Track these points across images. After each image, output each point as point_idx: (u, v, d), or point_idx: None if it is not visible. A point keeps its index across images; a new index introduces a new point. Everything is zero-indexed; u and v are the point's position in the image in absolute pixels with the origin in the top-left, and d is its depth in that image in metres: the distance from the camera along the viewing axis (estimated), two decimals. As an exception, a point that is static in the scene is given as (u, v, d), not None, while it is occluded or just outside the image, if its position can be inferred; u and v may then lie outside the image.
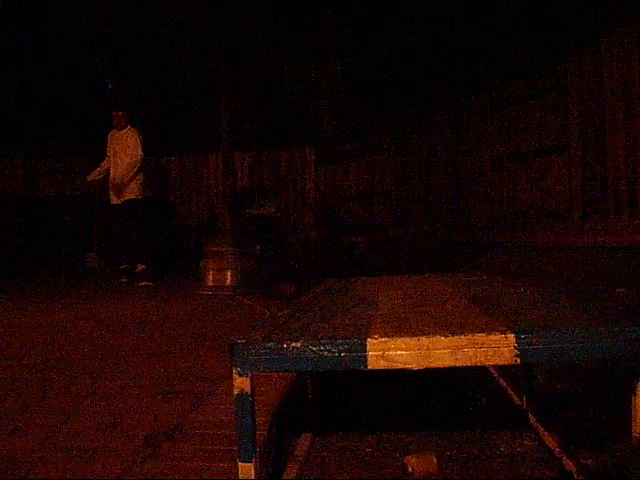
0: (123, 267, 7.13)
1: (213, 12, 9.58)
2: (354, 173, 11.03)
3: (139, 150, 6.98)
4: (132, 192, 7.01)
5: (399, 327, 1.43)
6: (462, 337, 1.29)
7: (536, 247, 6.43)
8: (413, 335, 1.32)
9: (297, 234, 10.54)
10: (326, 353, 1.32)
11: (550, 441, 1.84)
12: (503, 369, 2.53)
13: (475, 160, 8.26)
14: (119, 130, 7.09)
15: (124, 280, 6.99)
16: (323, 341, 1.32)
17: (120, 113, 7.09)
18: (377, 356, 1.30)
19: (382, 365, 1.31)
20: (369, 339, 1.31)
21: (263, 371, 1.35)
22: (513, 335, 1.29)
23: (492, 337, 1.29)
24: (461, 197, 8.59)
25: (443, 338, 1.30)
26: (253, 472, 1.35)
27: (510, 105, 7.57)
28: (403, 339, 1.31)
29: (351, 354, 1.31)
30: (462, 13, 9.80)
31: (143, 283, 6.83)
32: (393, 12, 10.34)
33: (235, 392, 1.35)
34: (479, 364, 1.30)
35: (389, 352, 1.30)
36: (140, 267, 6.97)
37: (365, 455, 1.86)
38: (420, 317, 1.57)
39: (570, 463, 1.67)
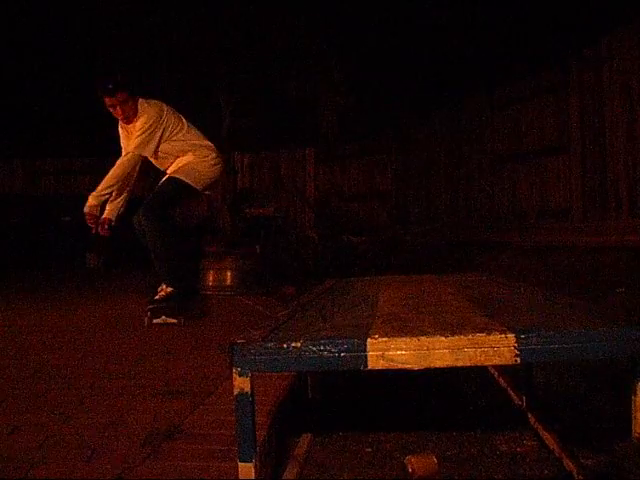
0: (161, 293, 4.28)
1: (213, 12, 9.59)
2: (354, 173, 11.03)
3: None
4: (184, 170, 4.32)
5: (399, 327, 1.43)
6: (462, 337, 1.29)
7: (536, 247, 6.43)
8: (413, 335, 1.32)
9: (297, 234, 10.54)
10: (326, 353, 1.32)
11: (550, 441, 1.84)
12: (503, 369, 2.53)
13: (475, 160, 8.26)
14: (135, 117, 4.22)
15: (150, 307, 4.19)
16: (323, 341, 1.33)
17: (119, 95, 4.11)
18: (377, 356, 1.31)
19: (382, 365, 1.31)
20: (369, 339, 1.31)
21: (263, 371, 1.36)
22: (513, 335, 1.29)
23: (492, 337, 1.29)
24: (461, 197, 8.59)
25: (443, 338, 1.30)
26: (253, 472, 1.35)
27: (510, 105, 7.58)
28: (403, 339, 1.31)
29: (351, 354, 1.31)
30: (462, 13, 9.80)
31: (160, 319, 4.12)
32: (393, 12, 10.35)
33: (235, 392, 1.35)
34: (479, 364, 1.31)
35: (389, 352, 1.30)
36: (165, 289, 4.23)
37: (365, 455, 1.86)
38: (420, 317, 1.58)
39: (570, 463, 1.67)
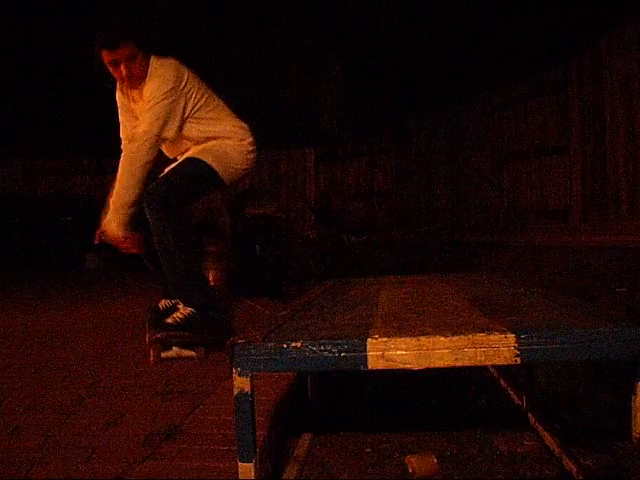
0: (163, 305, 3.10)
1: (213, 12, 9.59)
2: (354, 173, 11.04)
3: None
4: (212, 152, 3.07)
5: (399, 327, 1.43)
6: (462, 337, 1.29)
7: (536, 247, 6.43)
8: (413, 335, 1.32)
9: (297, 234, 10.54)
10: (326, 353, 1.32)
11: (550, 441, 1.84)
12: (503, 369, 2.53)
13: (475, 160, 8.26)
14: (144, 80, 2.96)
15: (158, 336, 2.84)
16: (323, 341, 1.32)
17: (124, 49, 2.87)
18: (377, 356, 1.31)
19: (382, 365, 1.31)
20: (369, 339, 1.31)
21: (263, 371, 1.35)
22: (513, 335, 1.29)
23: (492, 337, 1.29)
24: (461, 197, 8.59)
25: (443, 338, 1.30)
26: (253, 472, 1.35)
27: (510, 105, 7.58)
28: (403, 339, 1.31)
29: (351, 354, 1.31)
30: (463, 13, 9.81)
31: (172, 352, 2.90)
32: (394, 12, 10.35)
33: (235, 392, 1.35)
34: (479, 364, 1.30)
35: (389, 352, 1.30)
36: (182, 310, 2.91)
37: (365, 455, 1.86)
38: (420, 317, 1.57)
39: (570, 463, 1.67)
